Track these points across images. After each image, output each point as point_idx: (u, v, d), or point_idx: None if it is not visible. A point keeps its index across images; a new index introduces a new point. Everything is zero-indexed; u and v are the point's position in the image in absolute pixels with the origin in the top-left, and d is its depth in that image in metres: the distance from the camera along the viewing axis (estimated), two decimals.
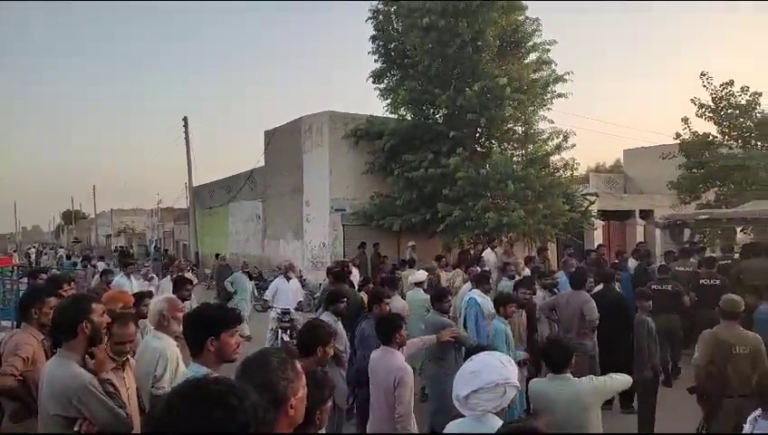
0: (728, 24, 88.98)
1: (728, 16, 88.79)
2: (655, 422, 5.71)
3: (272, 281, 10.62)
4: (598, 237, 19.13)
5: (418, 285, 7.70)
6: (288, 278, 9.86)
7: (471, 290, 6.94)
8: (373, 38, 15.91)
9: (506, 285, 8.09)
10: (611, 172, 30.63)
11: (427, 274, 8.38)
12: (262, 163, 20.01)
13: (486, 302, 6.41)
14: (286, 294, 9.55)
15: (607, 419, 6.38)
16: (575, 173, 16.57)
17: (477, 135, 15.08)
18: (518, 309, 5.86)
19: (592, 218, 17.00)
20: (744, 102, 15.93)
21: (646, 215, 21.12)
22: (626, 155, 28.09)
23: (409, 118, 15.44)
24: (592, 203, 17.01)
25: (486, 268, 10.54)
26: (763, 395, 2.78)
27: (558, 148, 14.62)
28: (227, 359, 2.58)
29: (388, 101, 15.76)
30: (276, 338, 9.33)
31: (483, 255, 12.23)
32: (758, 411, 2.88)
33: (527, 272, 9.92)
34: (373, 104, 65.91)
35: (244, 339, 10.59)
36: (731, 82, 16.03)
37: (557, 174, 14.84)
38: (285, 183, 18.01)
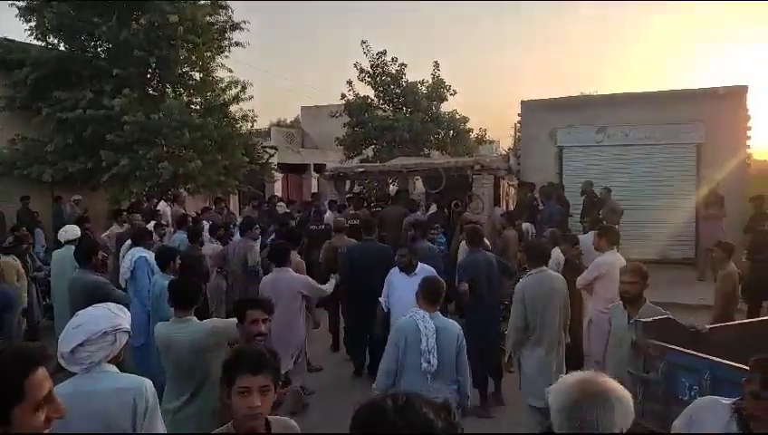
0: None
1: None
2: None
3: None
4: (278, 189, 20.05)
5: (70, 242, 6.66)
6: None
7: (133, 248, 6.42)
8: None
9: (182, 238, 7.81)
10: (291, 127, 32.28)
11: (79, 229, 7.31)
12: None
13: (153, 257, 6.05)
14: None
15: None
16: (255, 126, 16.81)
17: (148, 76, 13.73)
18: None
19: (273, 171, 17.64)
20: (394, 72, 18.60)
21: (320, 168, 23.05)
22: (303, 112, 29.95)
23: (62, 48, 13.00)
24: (272, 156, 17.62)
25: (164, 222, 10.04)
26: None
27: (236, 98, 14.47)
28: None
29: (33, 23, 12.90)
30: None
31: (158, 208, 11.50)
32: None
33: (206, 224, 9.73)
34: (9, 25, 49.49)
35: None
36: (384, 52, 18.48)
37: (236, 125, 14.76)
38: None
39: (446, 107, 19.58)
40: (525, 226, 9.73)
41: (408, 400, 1.13)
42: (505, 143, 30.21)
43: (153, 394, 2.35)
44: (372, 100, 19.02)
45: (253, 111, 15.22)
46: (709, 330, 3.38)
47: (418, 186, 17.48)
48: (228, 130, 14.03)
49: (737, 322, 3.85)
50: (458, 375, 3.56)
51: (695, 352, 2.99)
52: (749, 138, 11.57)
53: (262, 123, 27.51)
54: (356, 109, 18.44)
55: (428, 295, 3.60)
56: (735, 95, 11.35)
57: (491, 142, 20.61)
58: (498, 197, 13.59)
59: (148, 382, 2.37)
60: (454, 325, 3.64)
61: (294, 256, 6.18)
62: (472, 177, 11.58)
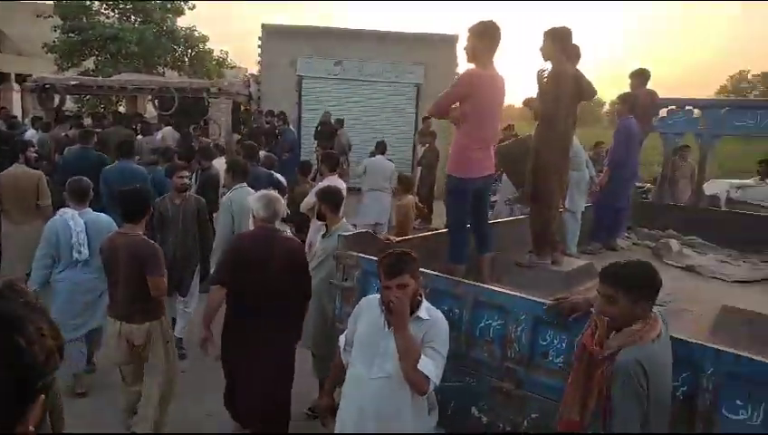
0: None
1: None
2: None
3: None
4: None
5: None
6: None
7: None
8: None
9: None
10: None
11: None
12: None
13: None
14: None
15: None
16: None
17: None
18: None
19: None
20: None
21: (24, 79, 19.05)
22: None
23: None
24: None
25: None
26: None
27: None
28: None
29: None
30: None
31: None
32: None
33: None
34: None
35: None
36: None
37: None
38: None
39: (183, 22, 17.89)
40: (262, 153, 9.69)
41: None
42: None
43: None
44: (93, 2, 16.25)
45: None
46: (396, 242, 3.88)
47: (151, 108, 15.89)
48: None
49: (417, 235, 4.50)
50: None
51: None
52: None
53: None
54: (70, 11, 15.55)
55: (74, 195, 4.06)
56: (448, 42, 12.88)
57: (233, 68, 19.64)
58: (238, 123, 13.22)
59: None
60: (102, 218, 4.15)
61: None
62: (208, 100, 10.94)
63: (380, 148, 8.40)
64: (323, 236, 4.01)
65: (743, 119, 5.96)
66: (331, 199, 4.00)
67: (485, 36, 3.49)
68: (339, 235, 3.51)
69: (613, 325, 2.09)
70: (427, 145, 9.85)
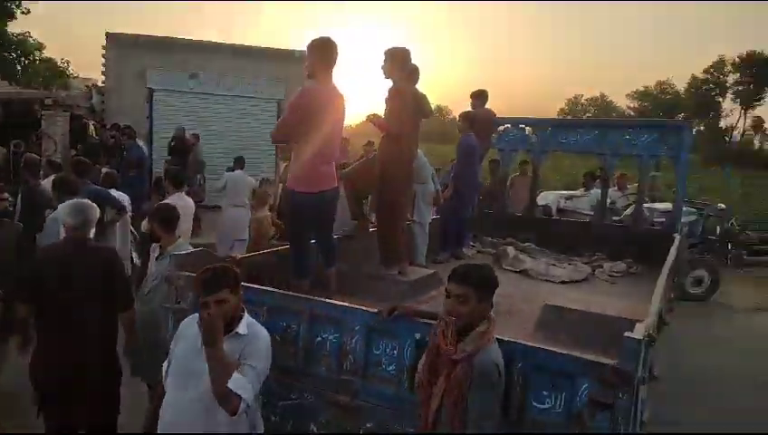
0: None
1: None
2: None
3: None
4: None
5: None
6: None
7: None
8: None
9: None
10: None
11: None
12: None
13: None
14: None
15: None
16: None
17: None
18: None
19: None
20: None
21: None
22: None
23: None
24: None
25: None
26: None
27: None
28: None
29: None
30: None
31: None
32: None
33: None
34: None
35: None
36: None
37: None
38: None
39: (15, 27, 16.04)
40: (104, 170, 8.94)
41: None
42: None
43: None
44: None
45: None
46: (239, 259, 3.75)
47: None
48: None
49: (263, 251, 4.40)
50: None
51: None
52: None
53: None
54: None
55: None
56: None
57: (75, 78, 17.91)
58: (83, 138, 12.07)
59: None
60: None
61: None
62: (41, 113, 9.86)
63: (240, 163, 8.21)
64: (157, 257, 3.73)
65: (566, 136, 6.67)
66: (162, 218, 3.71)
67: (322, 52, 3.54)
68: (171, 254, 3.30)
69: (460, 324, 2.13)
70: (288, 162, 9.73)
